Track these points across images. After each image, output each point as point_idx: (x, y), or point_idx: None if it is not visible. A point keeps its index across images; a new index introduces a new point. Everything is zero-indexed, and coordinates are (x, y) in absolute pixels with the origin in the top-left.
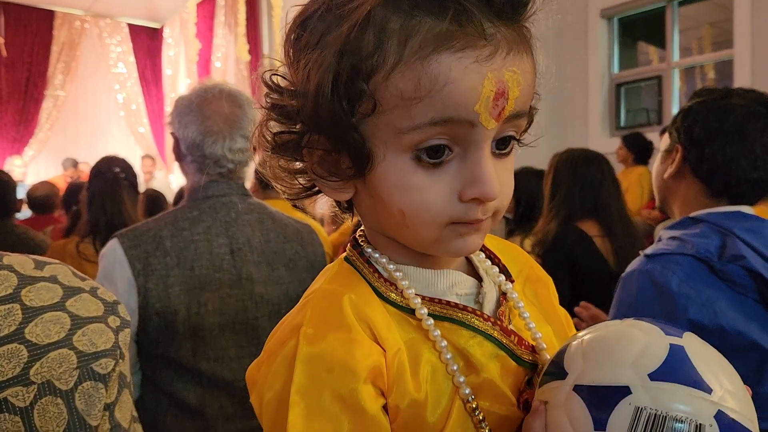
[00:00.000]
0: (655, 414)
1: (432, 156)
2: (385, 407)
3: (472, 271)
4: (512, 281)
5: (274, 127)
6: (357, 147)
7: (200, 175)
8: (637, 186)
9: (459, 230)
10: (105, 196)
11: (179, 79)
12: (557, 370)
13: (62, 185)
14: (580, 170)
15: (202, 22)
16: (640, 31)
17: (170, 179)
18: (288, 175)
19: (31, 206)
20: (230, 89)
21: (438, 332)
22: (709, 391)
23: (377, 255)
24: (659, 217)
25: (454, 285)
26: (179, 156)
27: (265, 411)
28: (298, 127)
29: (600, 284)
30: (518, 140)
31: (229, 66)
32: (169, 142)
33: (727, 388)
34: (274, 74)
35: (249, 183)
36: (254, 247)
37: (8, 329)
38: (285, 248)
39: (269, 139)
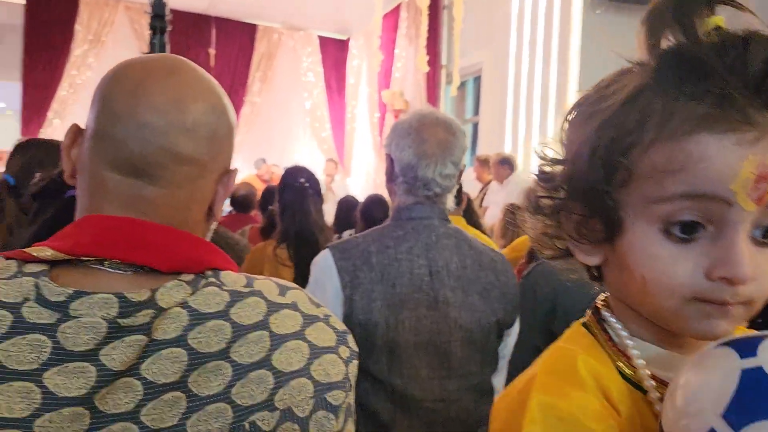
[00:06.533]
0: None
1: (684, 231)
2: None
3: None
4: None
5: (540, 191)
6: (609, 213)
7: (408, 196)
8: None
9: (704, 309)
10: (294, 207)
11: (360, 88)
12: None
13: (256, 183)
14: None
15: (385, 34)
16: None
17: (347, 182)
18: (546, 236)
19: (233, 204)
20: (445, 117)
21: None
22: None
23: (613, 320)
24: None
25: None
26: (391, 176)
27: None
28: (559, 193)
29: None
30: None
31: (408, 76)
32: (349, 146)
33: None
34: (546, 146)
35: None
36: (451, 272)
37: (259, 355)
38: (480, 276)
39: (535, 201)
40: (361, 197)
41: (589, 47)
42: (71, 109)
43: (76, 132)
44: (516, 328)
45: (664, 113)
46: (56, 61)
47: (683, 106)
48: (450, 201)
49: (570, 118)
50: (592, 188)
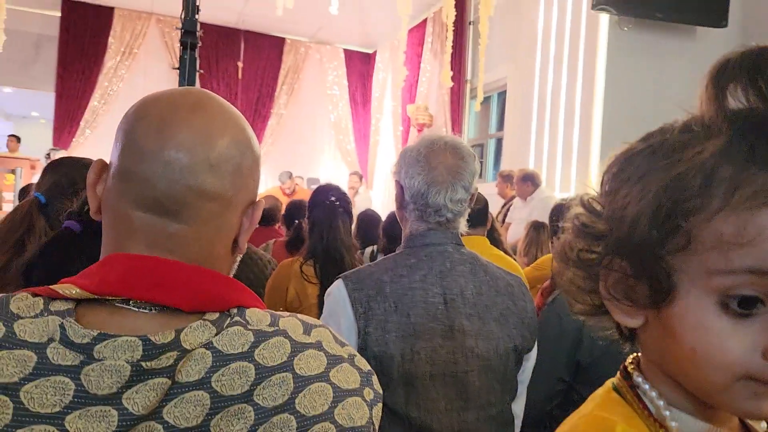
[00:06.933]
0: None
1: (742, 306)
2: None
3: None
4: None
5: (578, 243)
6: (660, 279)
7: (420, 223)
8: None
9: (754, 388)
10: (323, 225)
11: (385, 101)
12: None
13: (279, 196)
14: None
15: (410, 48)
16: None
17: (370, 195)
18: (579, 290)
19: None
20: (454, 142)
21: None
22: None
23: (647, 387)
24: None
25: None
26: (401, 204)
27: None
28: (600, 248)
29: None
30: None
31: (432, 90)
32: (372, 159)
33: None
34: (592, 199)
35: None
36: (467, 299)
37: (282, 399)
38: (496, 302)
39: (571, 254)
40: (382, 210)
41: (616, 64)
42: (102, 119)
43: (101, 168)
44: (534, 353)
45: (733, 181)
46: (89, 72)
47: (756, 175)
48: (462, 225)
49: (615, 170)
50: (644, 250)
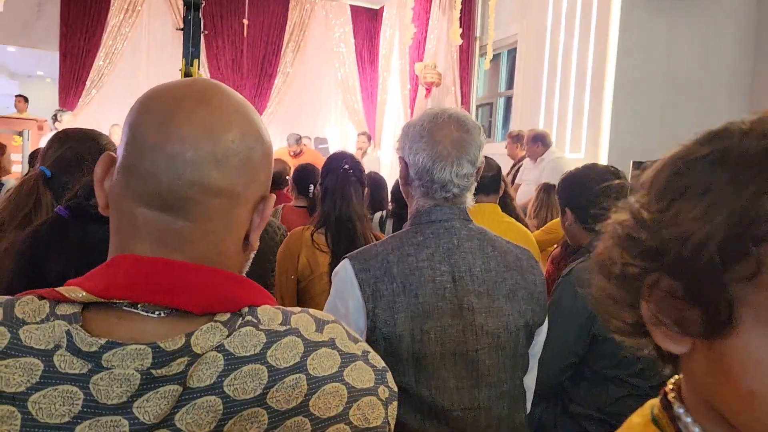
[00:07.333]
0: None
1: None
2: None
3: None
4: None
5: (621, 255)
6: (719, 308)
7: (426, 199)
8: None
9: None
10: (335, 193)
11: (392, 59)
12: None
13: (286, 158)
14: None
15: (418, 4)
16: None
17: (378, 155)
18: (615, 305)
19: None
20: (458, 114)
21: None
22: None
23: (689, 420)
24: None
25: None
26: (406, 180)
27: None
28: (644, 262)
29: None
30: None
31: (440, 48)
32: (380, 118)
33: None
34: (641, 206)
35: None
36: (475, 276)
37: (296, 401)
38: (505, 277)
39: (614, 268)
40: (390, 170)
41: (629, 21)
42: (107, 79)
43: (108, 162)
44: (545, 327)
45: None
46: (92, 30)
47: None
48: (470, 199)
49: (668, 176)
50: (705, 275)
